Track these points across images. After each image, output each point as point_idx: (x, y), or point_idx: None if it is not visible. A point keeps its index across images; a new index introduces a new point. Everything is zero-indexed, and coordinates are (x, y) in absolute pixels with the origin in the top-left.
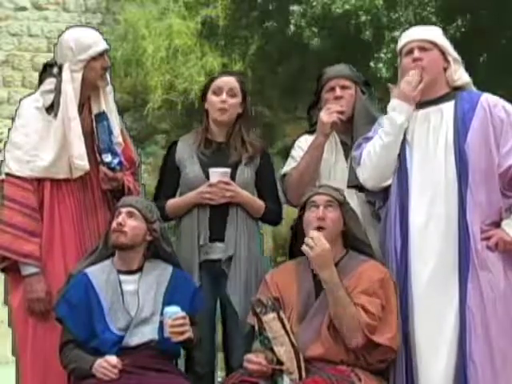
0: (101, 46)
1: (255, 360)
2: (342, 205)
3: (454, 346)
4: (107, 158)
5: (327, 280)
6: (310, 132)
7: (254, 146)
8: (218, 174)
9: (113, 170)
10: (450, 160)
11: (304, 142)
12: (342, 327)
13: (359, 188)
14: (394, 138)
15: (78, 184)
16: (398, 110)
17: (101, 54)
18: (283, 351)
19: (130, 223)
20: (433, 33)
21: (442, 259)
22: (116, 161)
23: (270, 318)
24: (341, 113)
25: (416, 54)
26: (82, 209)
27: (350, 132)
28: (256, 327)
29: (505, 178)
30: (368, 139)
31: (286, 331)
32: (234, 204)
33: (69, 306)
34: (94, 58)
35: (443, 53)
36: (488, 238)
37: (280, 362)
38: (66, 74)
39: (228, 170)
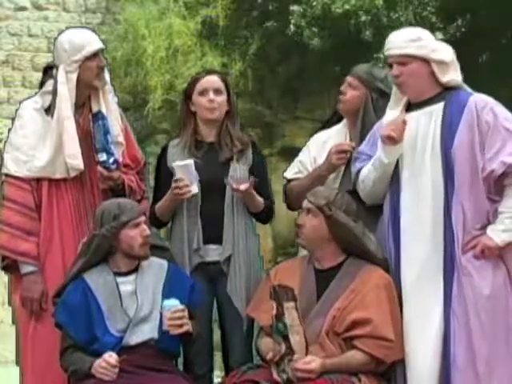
0: (94, 45)
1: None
2: (323, 211)
3: (438, 349)
4: (102, 157)
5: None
6: (326, 126)
7: (242, 141)
8: (179, 167)
9: (107, 169)
10: (436, 164)
11: (313, 144)
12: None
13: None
14: (381, 175)
15: (77, 183)
16: (384, 153)
17: (96, 54)
18: (298, 340)
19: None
20: (409, 43)
21: (428, 263)
22: (111, 160)
23: (290, 305)
24: (348, 151)
25: (394, 71)
26: (82, 208)
27: (349, 134)
28: (274, 312)
29: (489, 182)
30: (361, 154)
31: (301, 323)
32: (229, 204)
33: (68, 311)
34: (88, 58)
35: (425, 59)
36: (474, 247)
37: (292, 351)
38: (60, 76)
39: (190, 161)
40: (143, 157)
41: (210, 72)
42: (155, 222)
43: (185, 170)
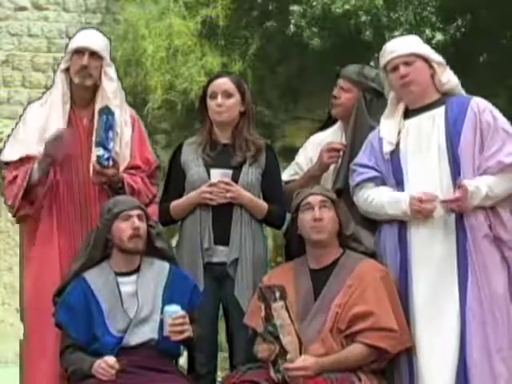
0: (81, 43)
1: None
2: (335, 203)
3: (455, 347)
4: (98, 151)
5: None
6: (322, 128)
7: (256, 145)
8: (218, 174)
9: (101, 164)
10: (444, 166)
11: (310, 145)
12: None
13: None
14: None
15: (74, 178)
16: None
17: (82, 52)
18: (290, 340)
19: (143, 226)
20: (413, 44)
21: (443, 264)
22: (105, 156)
23: (279, 305)
24: (339, 150)
25: (402, 71)
26: (76, 203)
27: (345, 135)
28: (262, 314)
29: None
30: (359, 166)
31: (292, 321)
32: (237, 205)
33: (68, 311)
34: (76, 54)
35: (426, 60)
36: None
37: (285, 351)
38: (60, 66)
39: (229, 171)
40: (156, 160)
41: (221, 74)
42: (167, 218)
43: (225, 177)
